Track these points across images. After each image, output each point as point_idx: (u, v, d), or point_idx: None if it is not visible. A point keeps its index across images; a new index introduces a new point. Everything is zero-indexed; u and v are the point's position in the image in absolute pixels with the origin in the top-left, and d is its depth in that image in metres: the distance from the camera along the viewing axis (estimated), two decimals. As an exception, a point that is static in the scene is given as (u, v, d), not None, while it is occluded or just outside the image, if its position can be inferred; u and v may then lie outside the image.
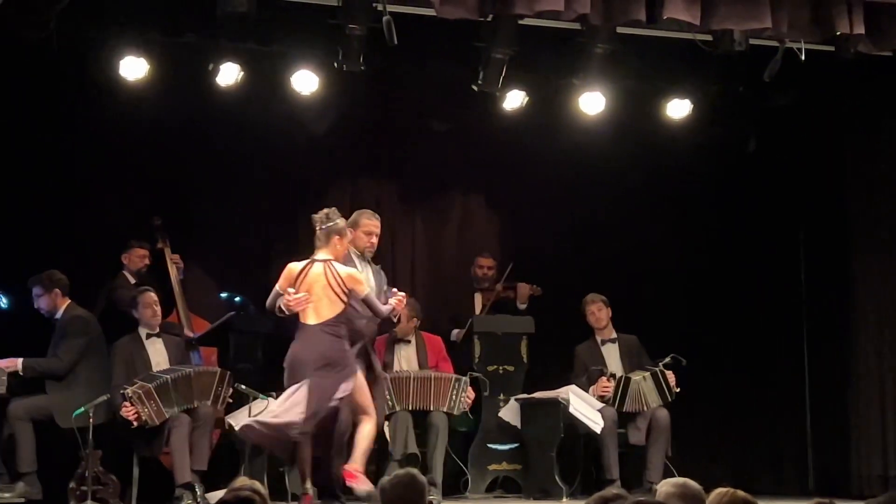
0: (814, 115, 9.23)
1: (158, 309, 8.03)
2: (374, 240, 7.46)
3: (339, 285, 6.93)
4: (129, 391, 7.49)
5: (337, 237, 7.08)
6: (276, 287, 7.04)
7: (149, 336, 7.93)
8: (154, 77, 8.03)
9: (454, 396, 8.17)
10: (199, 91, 8.28)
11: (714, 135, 9.21)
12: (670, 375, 8.48)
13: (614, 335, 8.79)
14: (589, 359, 8.70)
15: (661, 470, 8.23)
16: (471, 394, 8.30)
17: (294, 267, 7.05)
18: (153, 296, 8.01)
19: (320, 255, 7.05)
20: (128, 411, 7.48)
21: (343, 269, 7.01)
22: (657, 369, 8.48)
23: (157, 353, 7.91)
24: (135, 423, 7.51)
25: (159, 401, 7.50)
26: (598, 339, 8.79)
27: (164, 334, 8.01)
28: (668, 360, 8.52)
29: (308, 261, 7.06)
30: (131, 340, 7.91)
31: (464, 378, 8.29)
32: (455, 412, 8.22)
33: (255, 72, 8.17)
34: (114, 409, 7.61)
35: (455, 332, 9.16)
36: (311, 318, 6.96)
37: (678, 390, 8.48)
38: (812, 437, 9.69)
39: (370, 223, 7.47)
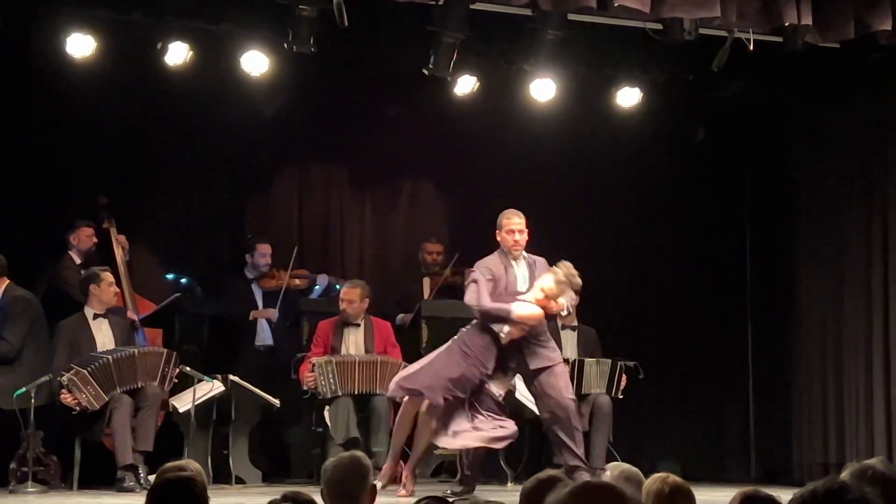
0: (761, 105, 9.31)
1: (116, 289, 7.97)
2: (518, 237, 7.34)
3: None
4: (64, 378, 7.40)
5: None
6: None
7: (95, 317, 7.85)
8: (101, 55, 7.92)
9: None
10: (148, 70, 8.19)
11: (663, 123, 9.26)
12: (624, 378, 8.55)
13: (575, 322, 8.82)
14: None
15: (605, 455, 8.28)
16: None
17: None
18: (111, 276, 7.95)
19: None
20: (66, 398, 7.41)
21: None
22: (620, 363, 8.54)
23: (103, 335, 7.83)
24: (76, 409, 7.44)
25: (97, 384, 7.43)
26: (560, 323, 8.82)
27: (110, 315, 7.93)
28: (631, 364, 8.58)
29: None
30: (77, 321, 7.83)
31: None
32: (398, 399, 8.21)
33: (205, 51, 8.09)
34: (55, 391, 7.53)
35: (400, 316, 9.15)
36: None
37: (622, 397, 8.54)
38: (754, 426, 9.80)
39: (509, 222, 7.41)
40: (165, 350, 7.79)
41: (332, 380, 8.04)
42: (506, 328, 7.10)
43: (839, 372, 8.93)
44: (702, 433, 9.82)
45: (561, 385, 7.26)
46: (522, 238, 7.35)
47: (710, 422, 9.86)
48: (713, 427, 9.86)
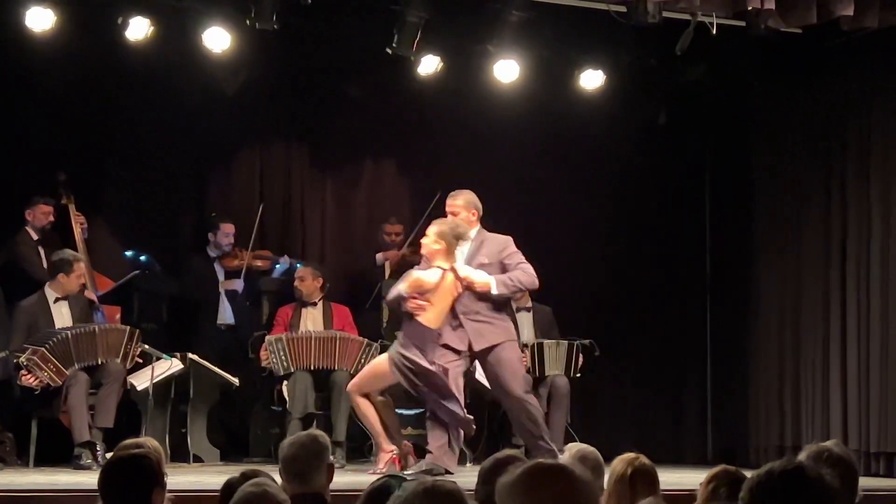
0: (724, 89, 9.35)
1: (84, 280, 7.90)
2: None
3: None
4: (22, 359, 7.33)
5: None
6: None
7: (56, 300, 7.77)
8: (61, 29, 7.82)
9: (363, 360, 8.16)
10: (108, 45, 8.10)
11: (626, 106, 9.27)
12: (581, 357, 8.58)
13: (529, 304, 8.83)
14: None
15: (563, 436, 8.31)
16: None
17: None
18: (84, 266, 7.88)
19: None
20: (27, 379, 7.34)
21: None
22: (576, 343, 8.57)
23: (62, 317, 7.76)
24: (38, 389, 7.37)
25: (56, 360, 7.37)
26: (514, 305, 8.82)
27: (70, 297, 7.85)
28: (586, 342, 8.61)
29: None
30: (37, 303, 7.75)
31: (374, 344, 8.28)
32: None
33: (166, 27, 8.01)
34: (9, 372, 7.46)
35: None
36: None
37: (579, 375, 8.57)
38: (712, 408, 9.87)
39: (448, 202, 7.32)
40: (128, 328, 7.73)
41: (283, 357, 8.05)
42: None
43: (796, 355, 9.00)
44: (659, 415, 9.88)
45: (507, 375, 7.11)
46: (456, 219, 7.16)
47: (667, 403, 9.92)
48: (671, 409, 9.93)
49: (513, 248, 7.25)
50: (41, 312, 7.71)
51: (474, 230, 7.23)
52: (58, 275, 7.76)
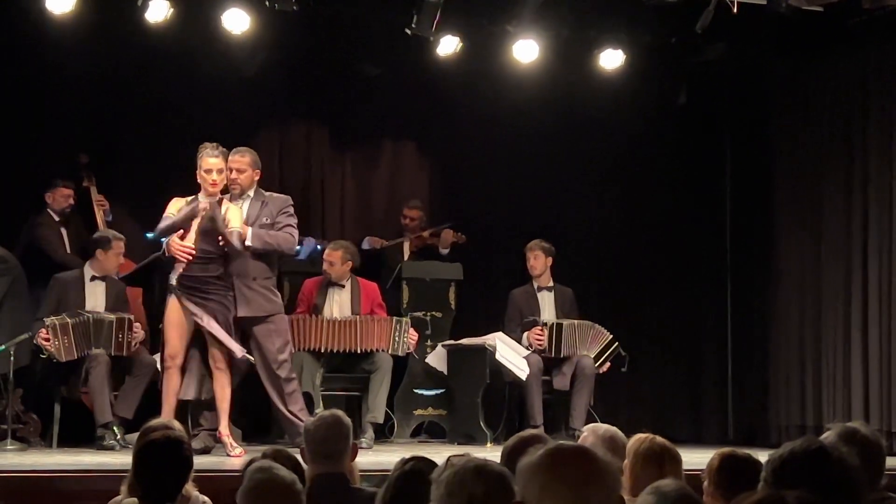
0: (744, 67, 9.31)
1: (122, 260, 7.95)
2: (215, 177, 7.09)
3: None
4: (48, 320, 7.39)
5: None
6: None
7: (93, 278, 7.81)
8: (81, 11, 7.83)
9: (397, 338, 8.18)
10: (128, 27, 8.11)
11: (645, 86, 9.24)
12: (608, 365, 8.60)
13: (551, 284, 8.84)
14: (524, 304, 8.76)
15: (584, 417, 8.33)
16: (413, 335, 8.32)
17: None
18: (122, 246, 7.90)
19: None
20: (44, 338, 7.37)
21: None
22: (617, 347, 8.61)
23: (96, 297, 7.79)
24: (45, 354, 7.39)
25: (73, 338, 7.40)
26: (535, 285, 8.84)
27: (108, 278, 7.87)
28: (623, 353, 8.65)
29: None
30: (73, 278, 7.78)
31: (404, 319, 8.32)
32: (400, 353, 8.25)
33: (185, 9, 8.02)
34: (33, 335, 7.50)
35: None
36: None
37: (600, 372, 8.59)
38: (732, 387, 9.86)
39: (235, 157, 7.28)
40: (117, 317, 7.66)
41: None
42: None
43: (817, 334, 8.98)
44: (680, 395, 9.88)
45: (273, 350, 7.18)
46: (220, 178, 7.12)
47: (688, 383, 9.91)
48: (691, 389, 9.92)
49: (290, 209, 7.33)
50: (75, 288, 7.72)
51: (252, 189, 7.29)
52: (96, 251, 7.80)
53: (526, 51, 8.61)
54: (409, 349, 8.31)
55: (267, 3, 7.59)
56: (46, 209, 8.38)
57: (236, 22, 8.06)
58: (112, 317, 7.61)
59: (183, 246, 6.97)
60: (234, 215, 7.02)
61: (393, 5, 8.08)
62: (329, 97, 9.44)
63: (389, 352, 8.19)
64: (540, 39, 8.57)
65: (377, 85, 9.25)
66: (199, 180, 7.13)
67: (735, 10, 7.51)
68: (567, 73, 9.03)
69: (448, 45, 8.63)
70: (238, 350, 7.01)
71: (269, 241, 7.17)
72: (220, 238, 6.98)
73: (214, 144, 7.16)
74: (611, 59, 8.92)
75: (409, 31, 7.99)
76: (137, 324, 7.75)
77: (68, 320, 7.42)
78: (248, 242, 7.06)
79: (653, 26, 8.70)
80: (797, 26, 8.23)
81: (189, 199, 7.13)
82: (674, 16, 8.17)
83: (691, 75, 9.32)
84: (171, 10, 7.93)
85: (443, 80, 9.09)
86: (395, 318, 8.29)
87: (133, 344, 7.64)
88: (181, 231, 7.01)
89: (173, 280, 7.03)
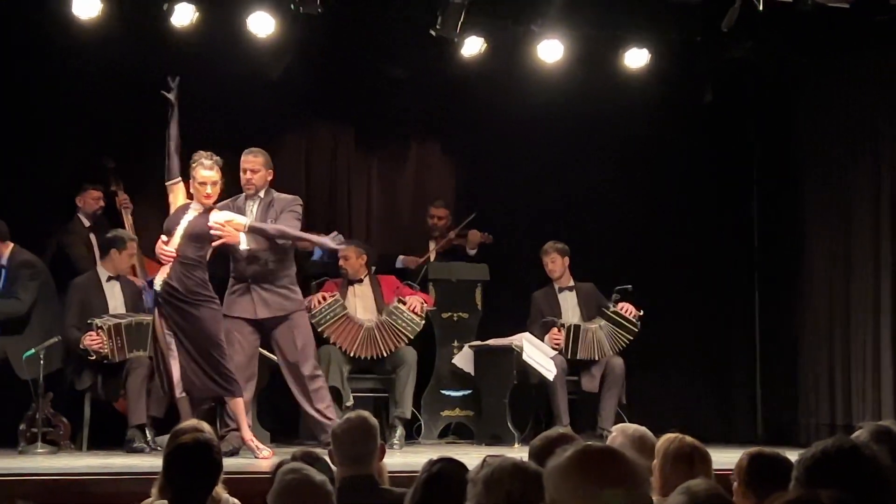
0: (770, 65, 9.27)
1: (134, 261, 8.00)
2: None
3: None
4: (98, 321, 7.44)
5: None
6: None
7: (108, 279, 7.85)
8: (107, 16, 7.89)
9: (403, 324, 8.19)
10: (154, 31, 8.15)
11: (671, 85, 9.21)
12: (625, 308, 8.55)
13: (571, 283, 8.83)
14: (545, 306, 8.75)
15: (613, 417, 8.31)
16: (418, 298, 8.33)
17: None
18: (136, 247, 7.96)
19: None
20: (93, 340, 7.40)
21: None
22: (609, 311, 8.55)
23: (115, 297, 7.84)
24: (93, 356, 7.44)
25: (125, 338, 7.46)
26: (556, 286, 8.83)
27: (122, 278, 7.94)
28: (615, 296, 8.60)
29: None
30: (89, 281, 7.84)
31: (394, 300, 8.33)
32: (418, 328, 8.26)
33: (211, 13, 8.06)
34: (68, 345, 7.54)
35: (401, 257, 9.22)
36: None
37: (641, 313, 8.54)
38: (761, 387, 9.82)
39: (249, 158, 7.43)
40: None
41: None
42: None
43: (846, 332, 8.93)
44: (708, 394, 9.84)
45: (295, 348, 7.21)
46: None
47: (716, 382, 9.88)
48: (719, 388, 9.88)
49: (297, 208, 7.38)
50: (93, 290, 7.78)
51: (264, 189, 7.38)
52: (110, 250, 7.85)
53: (550, 51, 8.60)
54: (422, 314, 8.28)
55: (292, 6, 7.61)
56: (77, 214, 8.43)
57: (261, 25, 8.09)
58: (150, 318, 7.65)
59: (165, 250, 6.95)
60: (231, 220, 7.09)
61: (417, 7, 8.09)
62: (354, 99, 9.45)
63: (410, 335, 8.18)
64: (564, 39, 8.56)
65: (402, 86, 9.26)
66: (192, 190, 7.09)
67: (761, 8, 7.47)
68: (592, 72, 9.01)
69: (472, 46, 8.63)
70: (176, 377, 6.88)
71: (269, 232, 7.19)
72: (212, 243, 6.99)
73: (209, 154, 7.15)
74: (636, 59, 8.90)
75: (433, 33, 7.99)
76: None
77: (120, 322, 7.49)
78: (242, 246, 7.11)
79: (678, 25, 8.67)
80: (824, 23, 8.19)
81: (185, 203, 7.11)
82: (699, 14, 8.15)
83: (717, 74, 9.29)
84: (197, 14, 7.97)
85: (467, 81, 9.09)
86: (391, 307, 8.29)
87: None
88: (167, 235, 6.99)
89: (157, 286, 7.00)
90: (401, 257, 9.31)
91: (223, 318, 7.03)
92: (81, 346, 7.47)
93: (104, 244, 7.98)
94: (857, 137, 8.93)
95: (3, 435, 7.47)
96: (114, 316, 7.61)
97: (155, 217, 8.93)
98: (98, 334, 7.44)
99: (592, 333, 8.51)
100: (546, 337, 8.52)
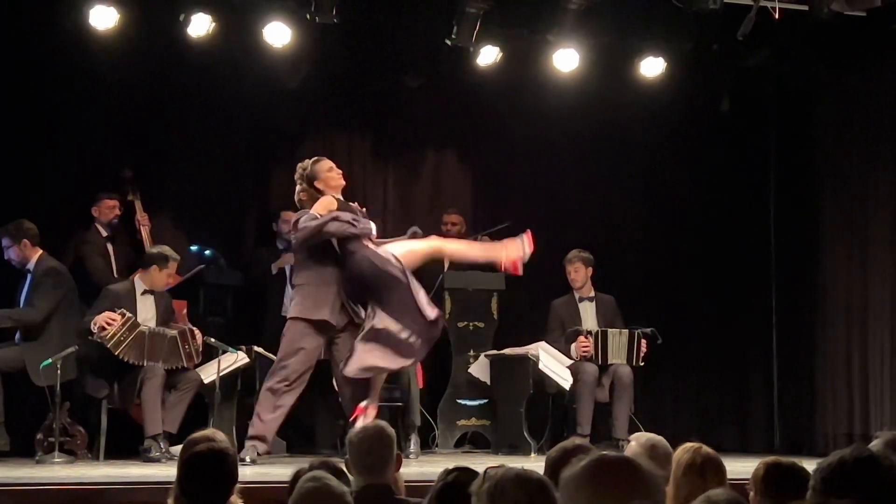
0: (787, 74, 9.25)
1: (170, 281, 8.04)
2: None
3: None
4: (121, 310, 7.45)
5: None
6: None
7: (144, 292, 7.85)
8: (124, 26, 7.92)
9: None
10: (170, 41, 8.19)
11: (687, 93, 9.21)
12: (644, 345, 8.53)
13: (592, 294, 8.81)
14: (565, 315, 8.73)
15: (627, 425, 8.28)
16: None
17: None
18: (175, 266, 7.99)
19: None
20: (107, 318, 7.40)
21: None
22: (636, 331, 8.53)
23: (146, 310, 7.81)
24: (94, 334, 7.40)
25: (136, 341, 7.45)
26: (577, 296, 8.81)
27: (156, 293, 7.92)
28: (648, 330, 8.56)
29: None
30: (126, 290, 7.81)
31: None
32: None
33: (227, 23, 8.09)
34: (85, 348, 7.53)
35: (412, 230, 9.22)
36: None
37: (643, 364, 8.53)
38: (778, 396, 9.78)
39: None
40: (178, 330, 7.74)
41: None
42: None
43: (864, 341, 8.89)
44: (725, 403, 9.81)
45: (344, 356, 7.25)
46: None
47: (733, 392, 9.85)
48: (737, 397, 9.85)
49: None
50: (127, 299, 7.71)
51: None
52: (151, 266, 7.84)
53: (566, 60, 8.61)
54: None
55: (308, 16, 7.63)
56: (94, 224, 8.44)
57: (278, 35, 8.12)
58: (173, 332, 7.65)
59: None
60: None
61: (433, 16, 8.10)
62: (371, 108, 9.47)
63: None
64: (580, 48, 8.56)
65: (418, 95, 9.28)
66: (320, 186, 7.30)
67: (777, 17, 7.46)
68: (607, 81, 9.01)
69: (488, 55, 8.64)
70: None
71: (305, 231, 7.25)
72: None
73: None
74: (651, 67, 8.89)
75: (449, 42, 8.00)
76: (197, 331, 7.78)
77: (141, 325, 7.49)
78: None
79: (693, 34, 8.66)
80: (841, 31, 8.17)
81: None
82: (715, 23, 8.13)
83: (734, 82, 9.27)
84: (213, 24, 8.00)
85: (483, 90, 9.10)
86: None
87: (199, 352, 7.68)
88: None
89: None
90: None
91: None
92: (93, 325, 7.44)
93: (147, 259, 7.93)
94: (875, 145, 8.89)
95: (20, 444, 7.49)
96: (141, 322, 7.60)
97: (171, 227, 8.98)
98: (116, 318, 7.43)
99: (614, 339, 8.51)
100: (573, 346, 8.50)
